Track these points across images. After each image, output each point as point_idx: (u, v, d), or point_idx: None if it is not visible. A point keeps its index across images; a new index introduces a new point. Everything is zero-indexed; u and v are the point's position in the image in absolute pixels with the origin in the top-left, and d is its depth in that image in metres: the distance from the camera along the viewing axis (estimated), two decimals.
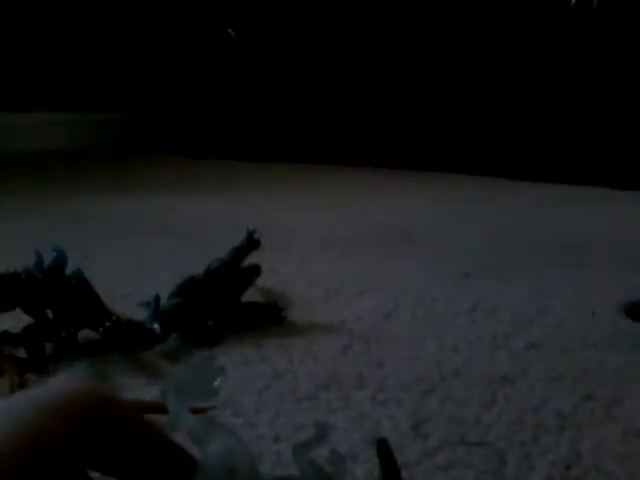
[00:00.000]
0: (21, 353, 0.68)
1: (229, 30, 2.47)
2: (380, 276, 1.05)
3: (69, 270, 0.72)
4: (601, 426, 0.58)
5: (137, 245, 1.22)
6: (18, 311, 0.71)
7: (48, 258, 0.71)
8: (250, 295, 0.83)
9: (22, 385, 0.60)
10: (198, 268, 0.79)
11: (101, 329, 0.72)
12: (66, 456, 0.28)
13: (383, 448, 0.34)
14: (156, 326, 0.74)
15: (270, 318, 0.81)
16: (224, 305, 0.79)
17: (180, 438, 0.34)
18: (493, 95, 2.15)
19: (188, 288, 0.78)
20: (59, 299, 0.71)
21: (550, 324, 0.83)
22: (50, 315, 0.71)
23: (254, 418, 0.58)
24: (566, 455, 0.53)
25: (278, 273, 1.01)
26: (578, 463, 0.52)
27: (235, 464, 0.31)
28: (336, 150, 2.38)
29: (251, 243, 0.82)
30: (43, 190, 1.82)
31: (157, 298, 0.77)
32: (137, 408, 0.45)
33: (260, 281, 0.85)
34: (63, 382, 0.33)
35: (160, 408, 0.38)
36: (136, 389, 0.63)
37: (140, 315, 0.76)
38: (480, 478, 0.50)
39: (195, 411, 0.36)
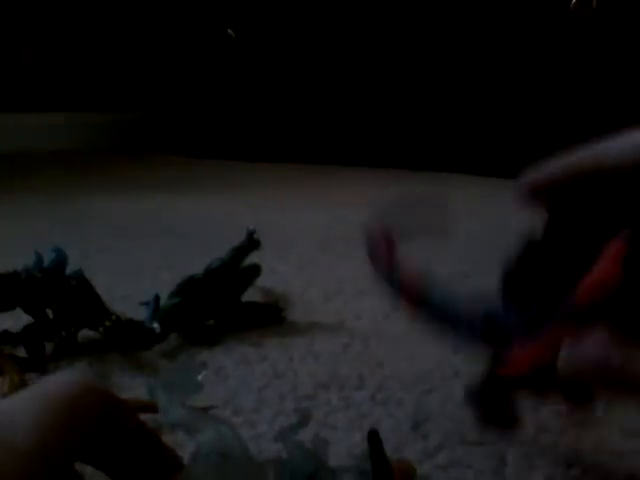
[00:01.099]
0: (21, 353, 0.68)
1: (229, 30, 2.47)
2: None
3: (69, 270, 0.72)
4: (601, 426, 0.58)
5: (137, 245, 1.21)
6: (18, 311, 0.71)
7: (48, 258, 0.71)
8: (250, 295, 0.83)
9: (22, 385, 0.60)
10: (198, 268, 0.79)
11: (101, 329, 0.72)
12: (71, 449, 0.29)
13: (373, 439, 0.35)
14: (156, 326, 0.74)
15: (270, 318, 0.81)
16: (224, 305, 0.79)
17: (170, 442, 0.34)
18: (493, 95, 2.15)
19: (188, 288, 0.78)
20: (59, 299, 0.71)
21: None
22: (50, 315, 0.71)
23: (254, 417, 0.58)
24: (566, 455, 0.53)
25: (278, 273, 1.01)
26: (578, 463, 0.52)
27: (228, 449, 0.32)
28: (336, 150, 2.38)
29: (251, 243, 0.82)
30: (43, 190, 1.82)
31: (157, 298, 0.78)
32: (132, 407, 0.46)
33: (260, 281, 0.85)
34: (68, 376, 0.33)
35: (153, 407, 0.38)
36: (136, 389, 0.63)
37: (140, 315, 0.76)
38: (480, 478, 0.50)
39: None
